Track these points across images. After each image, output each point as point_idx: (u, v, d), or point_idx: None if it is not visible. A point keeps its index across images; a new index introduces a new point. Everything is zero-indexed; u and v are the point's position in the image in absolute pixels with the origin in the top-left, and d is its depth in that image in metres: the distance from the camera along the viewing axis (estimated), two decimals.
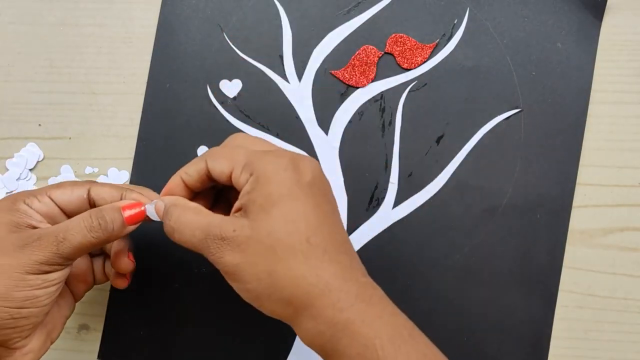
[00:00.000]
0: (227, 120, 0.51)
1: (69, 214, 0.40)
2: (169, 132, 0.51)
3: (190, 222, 0.37)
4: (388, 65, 0.51)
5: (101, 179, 0.51)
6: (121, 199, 0.40)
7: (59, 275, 0.37)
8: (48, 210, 0.39)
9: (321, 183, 0.37)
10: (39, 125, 0.52)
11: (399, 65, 0.51)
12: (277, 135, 0.51)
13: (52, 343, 0.41)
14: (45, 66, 0.52)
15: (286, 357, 0.50)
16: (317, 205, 0.36)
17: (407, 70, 0.51)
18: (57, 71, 0.52)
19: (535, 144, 0.50)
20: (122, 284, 0.44)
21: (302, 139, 0.51)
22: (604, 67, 0.51)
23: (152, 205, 0.40)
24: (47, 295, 0.37)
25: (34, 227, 0.38)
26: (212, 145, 0.51)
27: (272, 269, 0.34)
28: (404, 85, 0.51)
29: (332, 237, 0.36)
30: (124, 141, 0.52)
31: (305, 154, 0.45)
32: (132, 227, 0.40)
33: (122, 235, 0.39)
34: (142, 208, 0.40)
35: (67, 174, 0.52)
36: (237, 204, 0.37)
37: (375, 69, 0.51)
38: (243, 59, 0.51)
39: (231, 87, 0.51)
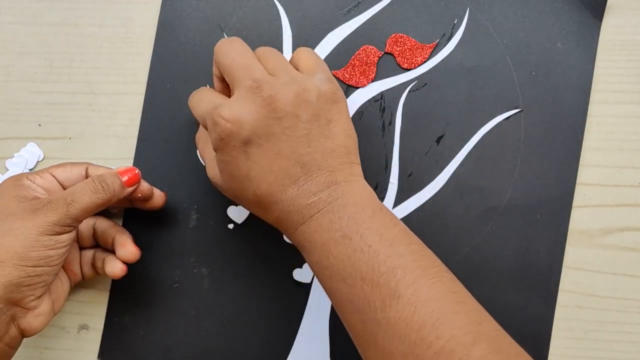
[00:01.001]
0: None
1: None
2: (169, 133, 0.51)
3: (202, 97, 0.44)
4: (388, 65, 0.51)
5: None
6: None
7: (67, 237, 0.41)
8: (50, 185, 0.44)
9: None
10: (39, 125, 0.52)
11: (399, 65, 0.51)
12: None
13: (55, 314, 0.44)
14: (45, 66, 0.52)
15: (286, 357, 0.50)
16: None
17: (407, 70, 0.51)
18: (57, 71, 0.52)
19: (535, 144, 0.50)
20: (121, 273, 0.46)
21: None
22: (604, 67, 0.51)
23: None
24: (57, 256, 0.41)
25: (38, 199, 0.42)
26: None
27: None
28: (404, 85, 0.51)
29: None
30: (124, 141, 0.52)
31: None
32: (130, 189, 0.45)
33: (122, 196, 0.44)
34: (137, 171, 0.45)
35: None
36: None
37: (375, 69, 0.51)
38: None
39: None
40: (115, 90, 0.52)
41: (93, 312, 0.51)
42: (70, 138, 0.52)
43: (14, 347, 0.41)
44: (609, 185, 0.50)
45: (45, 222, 0.40)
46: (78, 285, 0.50)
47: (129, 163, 0.51)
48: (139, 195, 0.46)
